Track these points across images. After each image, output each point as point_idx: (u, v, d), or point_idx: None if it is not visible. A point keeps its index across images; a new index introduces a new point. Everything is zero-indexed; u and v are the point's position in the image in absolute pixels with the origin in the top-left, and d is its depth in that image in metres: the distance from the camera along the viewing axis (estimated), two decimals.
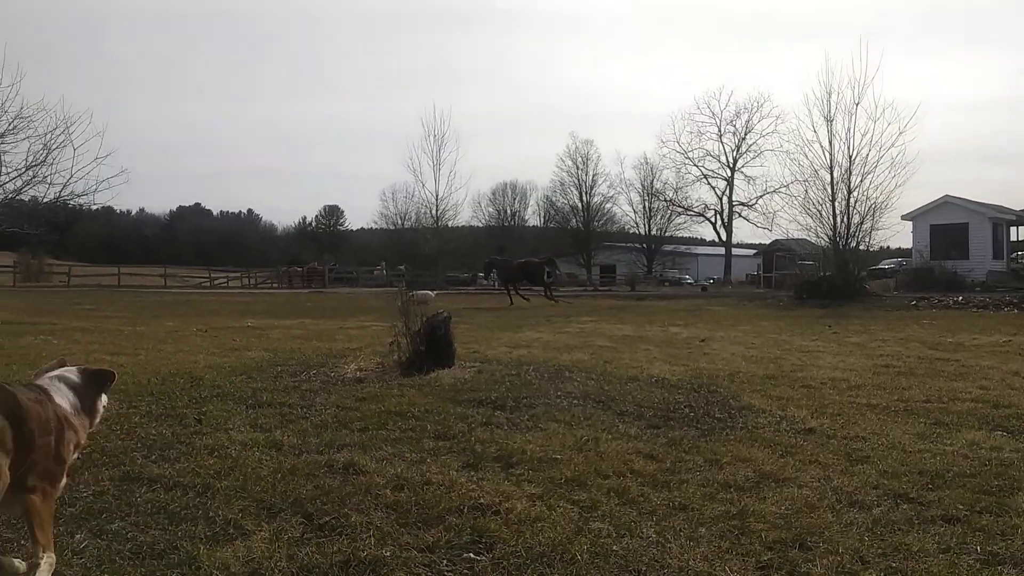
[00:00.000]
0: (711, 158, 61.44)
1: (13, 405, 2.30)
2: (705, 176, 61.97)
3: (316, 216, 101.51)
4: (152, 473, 3.67)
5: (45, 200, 14.18)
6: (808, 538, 3.05)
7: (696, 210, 64.18)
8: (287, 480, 3.60)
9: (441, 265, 51.41)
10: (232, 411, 5.34)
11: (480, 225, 74.41)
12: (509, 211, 76.11)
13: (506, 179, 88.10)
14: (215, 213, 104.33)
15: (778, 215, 41.25)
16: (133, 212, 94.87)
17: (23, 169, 13.57)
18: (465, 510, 3.25)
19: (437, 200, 50.51)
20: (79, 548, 2.74)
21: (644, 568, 2.72)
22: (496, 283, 29.22)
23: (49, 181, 13.73)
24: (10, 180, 13.56)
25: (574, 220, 69.11)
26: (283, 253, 75.20)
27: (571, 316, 17.86)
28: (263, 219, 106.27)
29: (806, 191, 26.67)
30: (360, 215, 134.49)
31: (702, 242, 77.69)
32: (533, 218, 76.75)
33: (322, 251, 73.70)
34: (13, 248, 38.04)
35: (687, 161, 61.70)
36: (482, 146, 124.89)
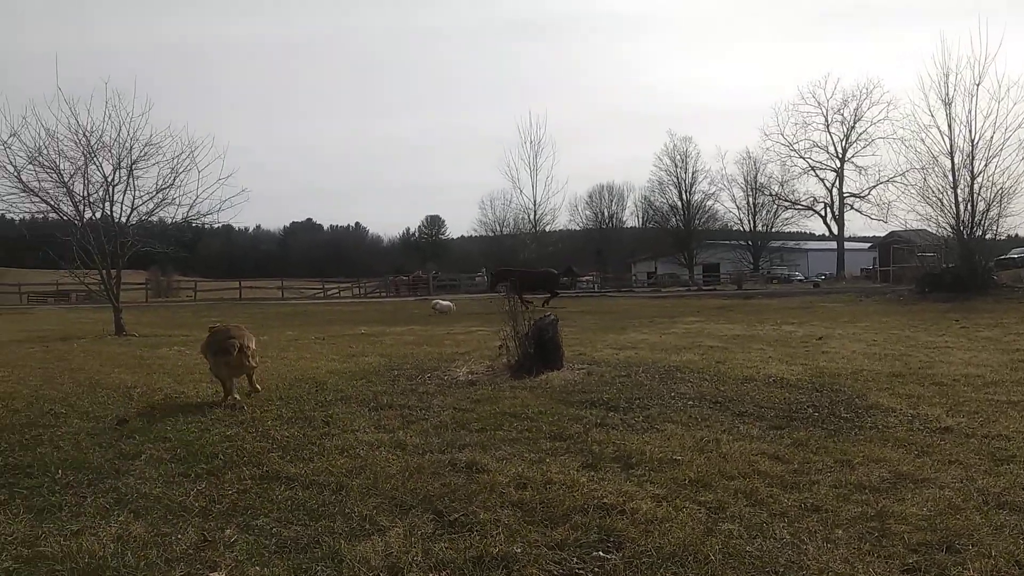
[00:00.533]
0: (818, 149, 58.55)
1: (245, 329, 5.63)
2: (812, 168, 59.17)
3: (419, 226, 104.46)
4: (289, 472, 3.88)
5: (174, 220, 15.29)
6: (956, 541, 2.88)
7: (804, 204, 61.43)
8: (415, 478, 3.73)
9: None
10: (356, 413, 5.56)
11: (578, 228, 74.18)
12: (606, 213, 75.36)
13: (603, 181, 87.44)
14: (325, 227, 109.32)
15: (894, 205, 38.65)
16: (250, 229, 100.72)
17: (154, 192, 14.69)
18: (590, 509, 3.26)
19: (535, 205, 50.82)
20: (229, 542, 2.93)
21: (781, 569, 2.64)
22: (502, 291, 27.88)
23: (178, 202, 14.80)
24: (143, 203, 14.71)
25: (674, 219, 67.72)
26: (389, 263, 77.68)
27: (675, 317, 17.51)
28: (370, 231, 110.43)
29: (924, 179, 24.95)
30: (460, 224, 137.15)
31: (811, 237, 74.43)
32: (631, 219, 75.75)
33: (425, 260, 75.59)
34: (144, 266, 41.22)
35: (793, 153, 59.09)
36: (578, 150, 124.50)
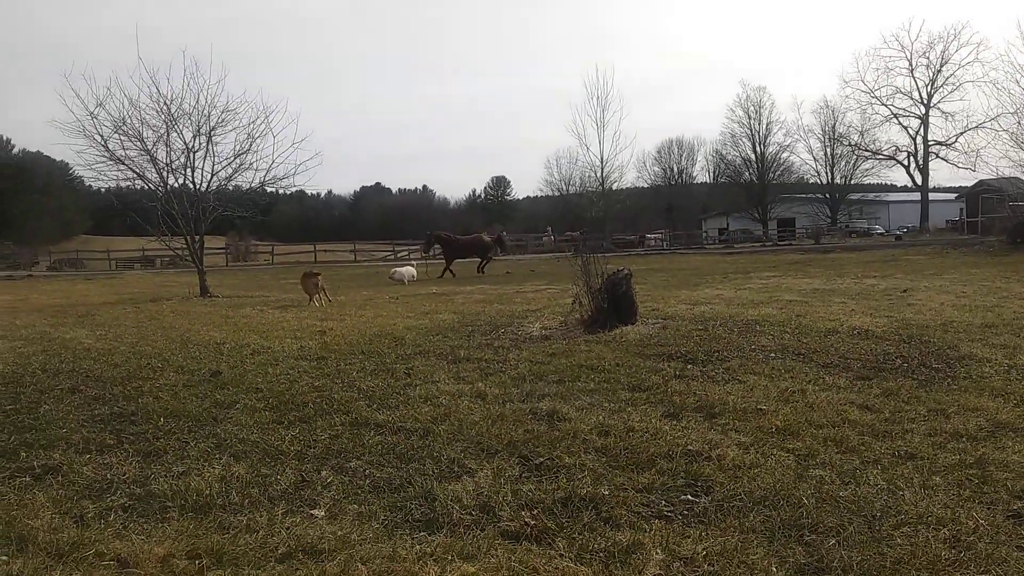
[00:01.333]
0: (901, 95, 55.14)
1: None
2: (895, 115, 55.89)
3: (484, 188, 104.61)
4: (377, 419, 4.01)
5: (251, 185, 15.74)
6: None
7: (886, 153, 58.26)
8: (498, 425, 3.79)
9: (608, 228, 51.02)
10: (435, 366, 5.68)
11: (646, 185, 72.79)
12: (676, 169, 73.64)
13: (671, 136, 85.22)
14: (394, 191, 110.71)
15: (983, 153, 36.52)
16: (322, 195, 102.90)
17: (232, 157, 15.14)
18: (675, 456, 3.25)
19: (602, 163, 49.91)
20: (326, 483, 3.05)
21: (877, 514, 2.58)
22: (430, 256, 26.83)
23: (255, 167, 15.21)
24: (222, 168, 15.18)
25: (747, 173, 65.58)
26: (456, 225, 78.33)
27: (750, 272, 17.09)
28: (436, 194, 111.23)
29: (1019, 122, 23.41)
30: (526, 184, 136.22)
31: (892, 188, 71.08)
32: (702, 175, 73.79)
33: (491, 221, 75.78)
34: (223, 232, 42.76)
35: (874, 101, 55.86)
36: (646, 105, 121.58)
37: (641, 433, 3.62)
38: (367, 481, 3.05)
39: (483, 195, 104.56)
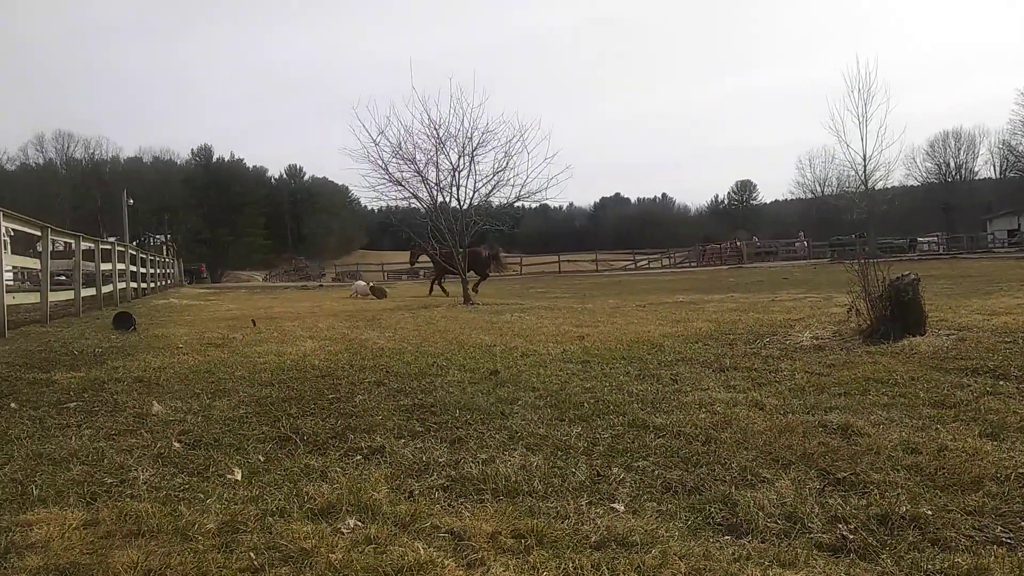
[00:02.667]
0: None
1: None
2: None
3: (728, 193, 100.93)
4: (655, 423, 4.04)
5: (508, 200, 16.74)
6: None
7: None
8: (786, 436, 3.63)
9: (872, 231, 46.39)
10: (701, 374, 5.59)
11: (916, 183, 65.21)
12: (952, 164, 65.16)
13: (946, 128, 75.41)
14: (633, 200, 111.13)
15: None
16: (564, 207, 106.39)
17: (490, 175, 16.25)
18: (1006, 478, 2.88)
19: (865, 160, 45.54)
20: (620, 479, 3.13)
21: None
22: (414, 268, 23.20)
23: (512, 183, 16.17)
24: (482, 185, 16.35)
25: None
26: (696, 232, 76.40)
27: None
28: (676, 201, 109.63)
29: None
30: (773, 187, 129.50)
31: None
32: (985, 169, 64.42)
33: (735, 227, 72.84)
34: (474, 244, 45.90)
35: None
36: (912, 96, 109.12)
37: (957, 452, 3.25)
38: (658, 481, 3.08)
39: (726, 200, 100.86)
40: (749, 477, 3.06)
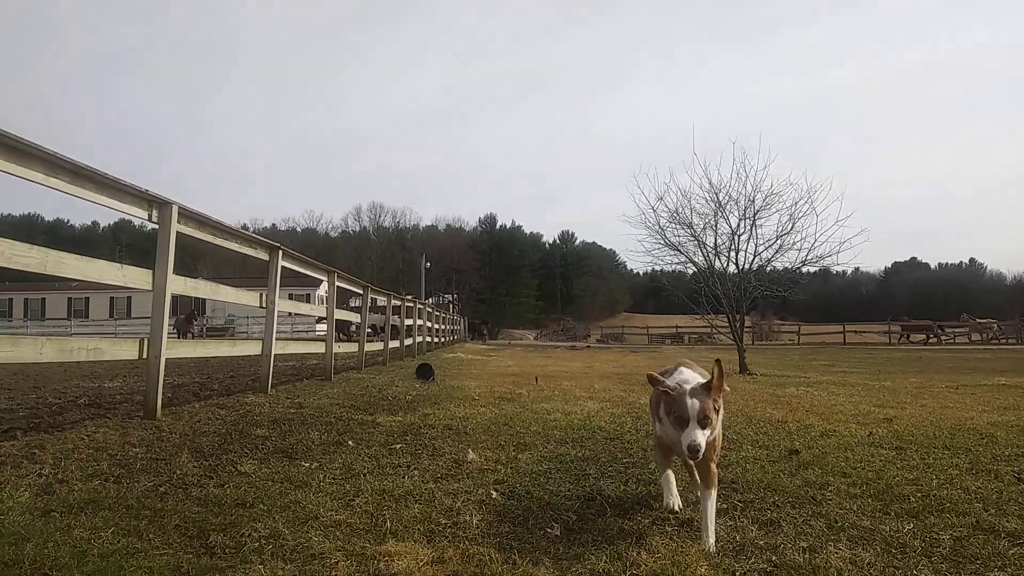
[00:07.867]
0: None
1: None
2: None
3: None
4: (1006, 527, 3.47)
5: (793, 265, 15.89)
6: None
7: None
8: None
9: None
10: None
11: None
12: None
13: None
14: (932, 266, 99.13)
15: None
16: (848, 272, 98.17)
17: (773, 239, 15.59)
18: None
19: None
20: None
21: None
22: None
23: (799, 247, 15.37)
24: (764, 249, 15.73)
25: None
26: (1016, 302, 65.40)
27: None
28: (987, 267, 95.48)
29: None
30: None
31: None
32: None
33: None
34: (746, 311, 43.99)
35: None
36: None
37: None
38: None
39: None
40: None
